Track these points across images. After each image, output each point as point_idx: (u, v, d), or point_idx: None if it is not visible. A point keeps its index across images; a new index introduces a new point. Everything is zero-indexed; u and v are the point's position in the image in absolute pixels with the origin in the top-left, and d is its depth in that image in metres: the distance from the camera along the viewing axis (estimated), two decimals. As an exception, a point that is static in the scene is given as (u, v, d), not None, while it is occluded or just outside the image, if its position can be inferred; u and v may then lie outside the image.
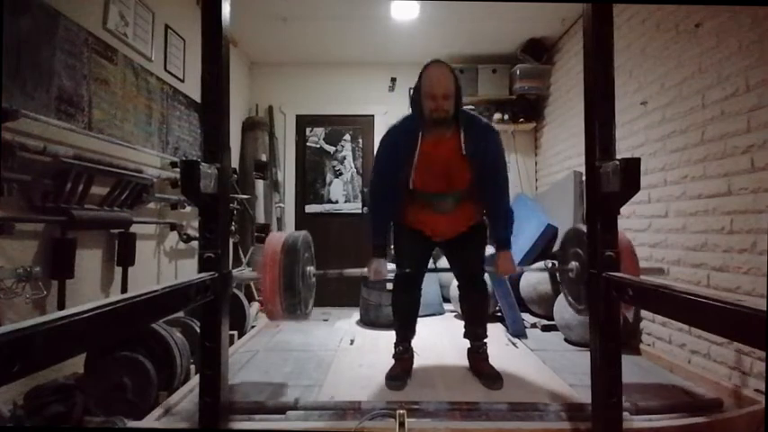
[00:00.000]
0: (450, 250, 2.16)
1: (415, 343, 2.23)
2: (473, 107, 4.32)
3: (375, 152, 2.07)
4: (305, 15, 3.55)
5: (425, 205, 1.98)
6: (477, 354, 2.14)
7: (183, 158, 2.88)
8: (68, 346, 0.75)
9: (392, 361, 2.14)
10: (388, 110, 4.55)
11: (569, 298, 2.05)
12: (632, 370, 2.20)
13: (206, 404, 1.37)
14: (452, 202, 1.97)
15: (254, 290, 3.70)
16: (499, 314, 3.14)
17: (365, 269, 2.00)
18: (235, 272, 1.71)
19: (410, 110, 1.97)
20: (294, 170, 4.57)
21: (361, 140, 4.61)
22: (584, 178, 2.93)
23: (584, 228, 1.88)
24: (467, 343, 2.20)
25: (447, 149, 1.88)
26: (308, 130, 4.62)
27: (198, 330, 1.83)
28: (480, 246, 2.13)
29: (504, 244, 2.00)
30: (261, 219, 4.06)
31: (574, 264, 1.95)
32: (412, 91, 1.94)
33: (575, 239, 2.00)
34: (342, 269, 2.04)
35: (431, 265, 2.69)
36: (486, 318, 2.22)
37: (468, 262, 2.11)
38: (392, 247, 2.16)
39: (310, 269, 1.95)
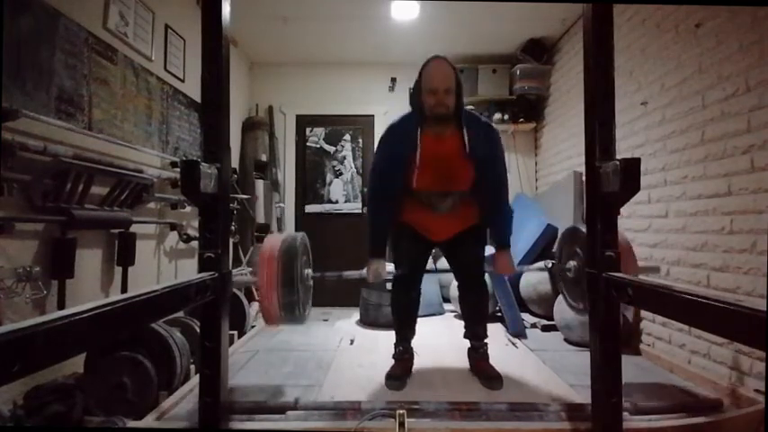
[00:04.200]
0: (449, 251, 2.15)
1: (414, 343, 2.22)
2: (473, 107, 4.32)
3: (375, 151, 2.06)
4: (305, 15, 3.55)
5: (425, 204, 1.98)
6: (478, 354, 2.14)
7: (183, 158, 2.87)
8: (68, 346, 0.75)
9: (392, 361, 2.14)
10: (388, 110, 4.55)
11: (568, 298, 2.05)
12: (632, 370, 2.20)
13: (206, 404, 1.37)
14: (452, 203, 1.97)
15: (253, 290, 3.70)
16: (499, 314, 3.14)
17: (364, 270, 2.00)
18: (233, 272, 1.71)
19: (410, 108, 1.96)
20: (294, 170, 4.57)
21: (361, 140, 4.61)
22: (584, 178, 2.93)
23: (582, 227, 1.88)
24: (467, 343, 2.19)
25: (449, 148, 1.87)
26: (308, 130, 4.62)
27: (198, 330, 1.83)
28: (479, 246, 2.13)
29: (503, 244, 2.01)
30: (261, 219, 4.06)
31: (572, 263, 1.95)
32: (412, 89, 1.93)
33: (573, 238, 2.00)
34: (341, 270, 2.04)
35: (430, 265, 2.69)
36: (486, 318, 2.21)
37: (468, 262, 2.10)
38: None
39: (308, 271, 1.95)
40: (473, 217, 2.04)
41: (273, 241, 1.84)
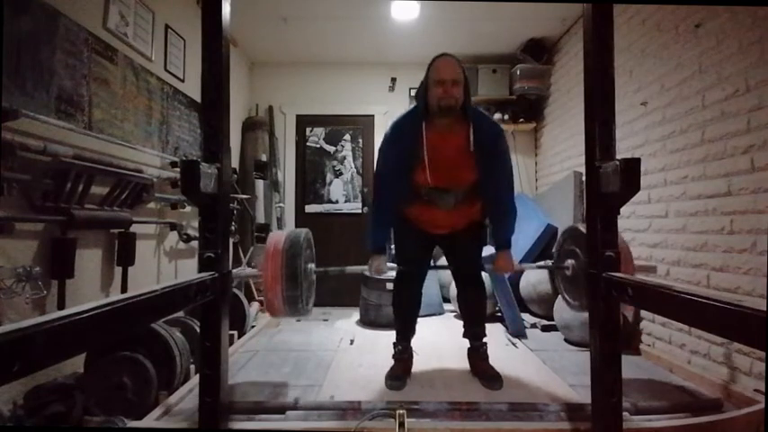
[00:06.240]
0: (448, 248, 2.15)
1: (414, 343, 2.23)
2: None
3: (378, 150, 2.04)
4: (305, 15, 3.55)
5: (427, 200, 1.96)
6: (478, 354, 2.14)
7: (183, 158, 2.87)
8: (68, 346, 0.75)
9: (392, 361, 2.14)
10: (388, 110, 4.55)
11: (566, 296, 2.06)
12: (632, 370, 2.20)
13: (206, 404, 1.37)
14: (454, 200, 1.95)
15: (253, 290, 3.70)
16: (499, 314, 3.14)
17: (366, 266, 2.01)
18: (235, 270, 1.73)
19: (414, 106, 1.94)
20: (294, 170, 4.57)
21: (361, 140, 4.61)
22: (584, 178, 2.93)
23: (581, 227, 1.89)
24: (467, 343, 2.19)
25: (455, 143, 1.85)
26: (308, 130, 4.62)
27: (198, 330, 1.83)
28: (479, 244, 2.14)
29: (504, 243, 2.01)
30: (261, 219, 4.06)
31: (570, 262, 1.96)
32: (417, 88, 1.91)
33: (572, 238, 2.01)
34: (342, 267, 2.05)
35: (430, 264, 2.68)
36: (485, 317, 2.22)
37: (467, 260, 2.10)
38: (392, 246, 2.16)
39: (311, 266, 1.97)
40: (475, 213, 2.04)
41: (278, 236, 1.86)
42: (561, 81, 3.93)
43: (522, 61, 4.13)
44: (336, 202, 4.58)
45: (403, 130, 1.90)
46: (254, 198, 4.04)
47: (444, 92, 1.77)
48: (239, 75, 4.19)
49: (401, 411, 1.54)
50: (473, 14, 3.53)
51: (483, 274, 2.19)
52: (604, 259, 1.34)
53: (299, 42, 4.05)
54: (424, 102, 1.85)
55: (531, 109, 4.38)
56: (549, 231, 3.34)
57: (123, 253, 2.29)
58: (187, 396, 1.83)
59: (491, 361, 2.12)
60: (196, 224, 2.96)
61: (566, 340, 2.78)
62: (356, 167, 4.60)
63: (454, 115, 1.83)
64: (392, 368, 2.10)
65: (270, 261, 1.80)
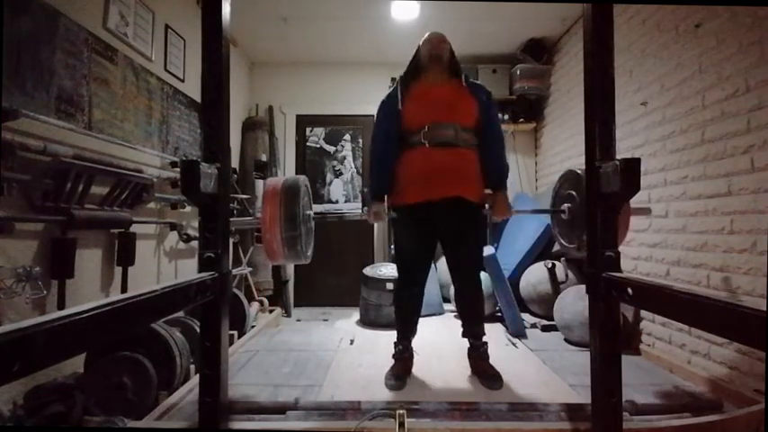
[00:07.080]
0: (448, 243, 2.08)
1: (414, 343, 2.23)
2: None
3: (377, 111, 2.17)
4: (305, 15, 3.55)
5: (424, 145, 1.97)
6: (478, 353, 2.14)
7: (183, 158, 2.87)
8: (68, 346, 0.75)
9: (392, 361, 2.14)
10: (388, 110, 4.54)
11: (561, 239, 2.08)
12: (632, 370, 2.20)
13: (206, 404, 1.37)
14: (455, 132, 1.96)
15: (254, 290, 3.70)
16: (499, 314, 3.15)
17: (365, 210, 2.08)
18: (235, 219, 1.74)
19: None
20: (294, 170, 4.56)
21: (361, 140, 4.61)
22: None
23: (578, 170, 1.92)
24: (467, 343, 2.19)
25: (449, 86, 2.04)
26: (308, 130, 4.62)
27: (198, 330, 1.83)
28: (480, 244, 2.14)
29: (500, 187, 2.09)
30: (261, 219, 4.05)
31: (566, 205, 1.98)
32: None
33: (568, 181, 2.02)
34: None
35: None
36: (483, 315, 2.22)
37: (466, 257, 2.09)
38: (392, 246, 2.17)
39: (309, 212, 1.95)
40: (477, 178, 2.02)
41: (276, 180, 1.86)
42: (561, 81, 3.93)
43: (522, 61, 4.13)
44: (336, 202, 4.57)
45: (392, 94, 2.09)
46: (254, 198, 4.04)
47: (432, 46, 2.04)
48: (239, 75, 4.19)
49: (401, 411, 1.54)
50: (473, 14, 3.53)
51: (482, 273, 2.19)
52: (605, 259, 1.34)
53: (299, 42, 4.05)
54: (414, 62, 2.10)
55: (531, 109, 4.38)
56: (549, 231, 3.34)
57: (123, 253, 2.29)
58: (187, 396, 1.83)
59: (491, 361, 2.12)
60: (196, 224, 2.96)
61: (566, 340, 2.78)
62: (356, 167, 4.60)
63: (444, 68, 2.04)
64: (392, 368, 2.10)
65: (268, 203, 1.77)
